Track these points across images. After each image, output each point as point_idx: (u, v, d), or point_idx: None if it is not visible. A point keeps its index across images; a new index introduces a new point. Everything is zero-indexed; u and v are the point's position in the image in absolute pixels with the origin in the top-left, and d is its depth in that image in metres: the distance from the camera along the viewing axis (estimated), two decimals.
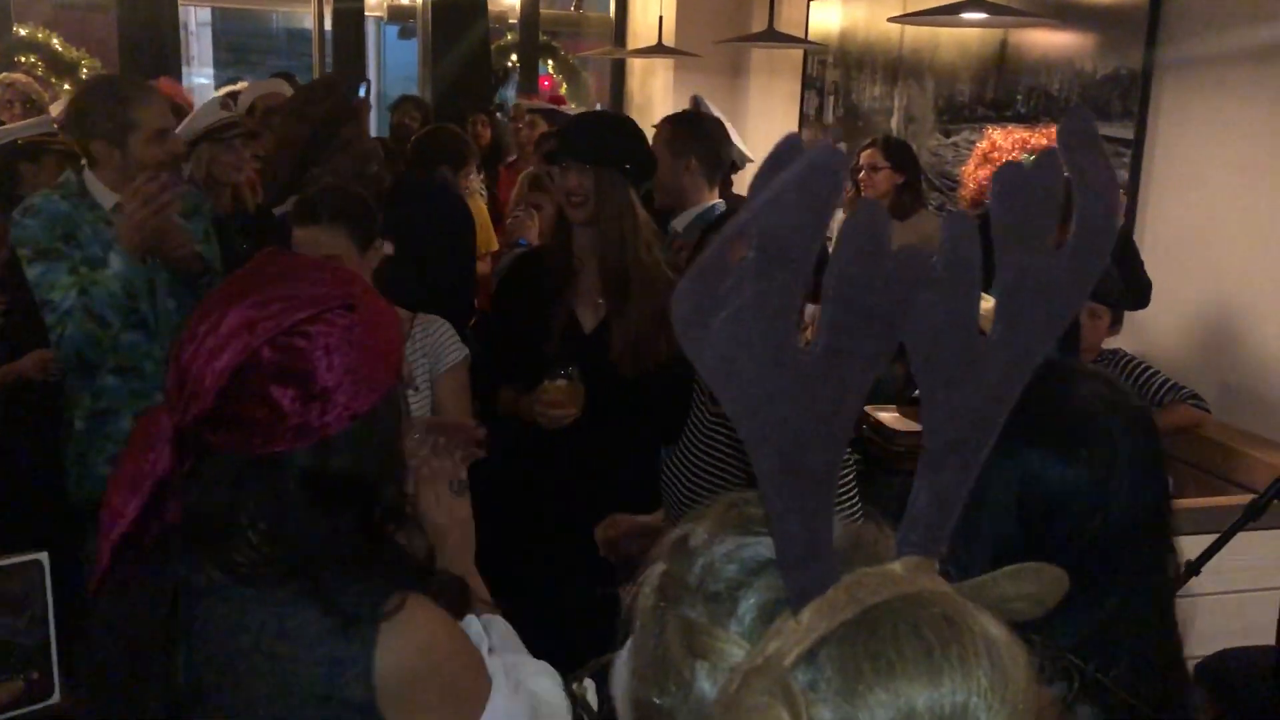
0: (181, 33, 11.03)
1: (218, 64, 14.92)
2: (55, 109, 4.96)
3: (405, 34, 10.96)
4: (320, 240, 2.41)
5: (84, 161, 2.91)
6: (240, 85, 6.18)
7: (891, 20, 4.39)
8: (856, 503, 2.18)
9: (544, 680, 1.35)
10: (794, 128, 6.92)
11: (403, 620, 1.21)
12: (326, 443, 1.20)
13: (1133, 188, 4.11)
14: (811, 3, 6.72)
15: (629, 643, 0.71)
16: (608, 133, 2.88)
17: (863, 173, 4.61)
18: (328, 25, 9.25)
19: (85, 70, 7.77)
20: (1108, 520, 1.10)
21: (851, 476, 2.16)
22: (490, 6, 8.65)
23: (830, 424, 0.63)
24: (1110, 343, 3.70)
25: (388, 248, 3.34)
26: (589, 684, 0.69)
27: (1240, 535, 2.15)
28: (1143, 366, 3.61)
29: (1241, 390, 3.66)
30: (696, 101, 4.84)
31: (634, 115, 8.18)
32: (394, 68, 12.82)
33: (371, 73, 11.78)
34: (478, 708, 1.28)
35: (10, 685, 1.31)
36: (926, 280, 0.65)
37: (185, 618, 1.20)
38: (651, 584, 0.70)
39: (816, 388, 0.62)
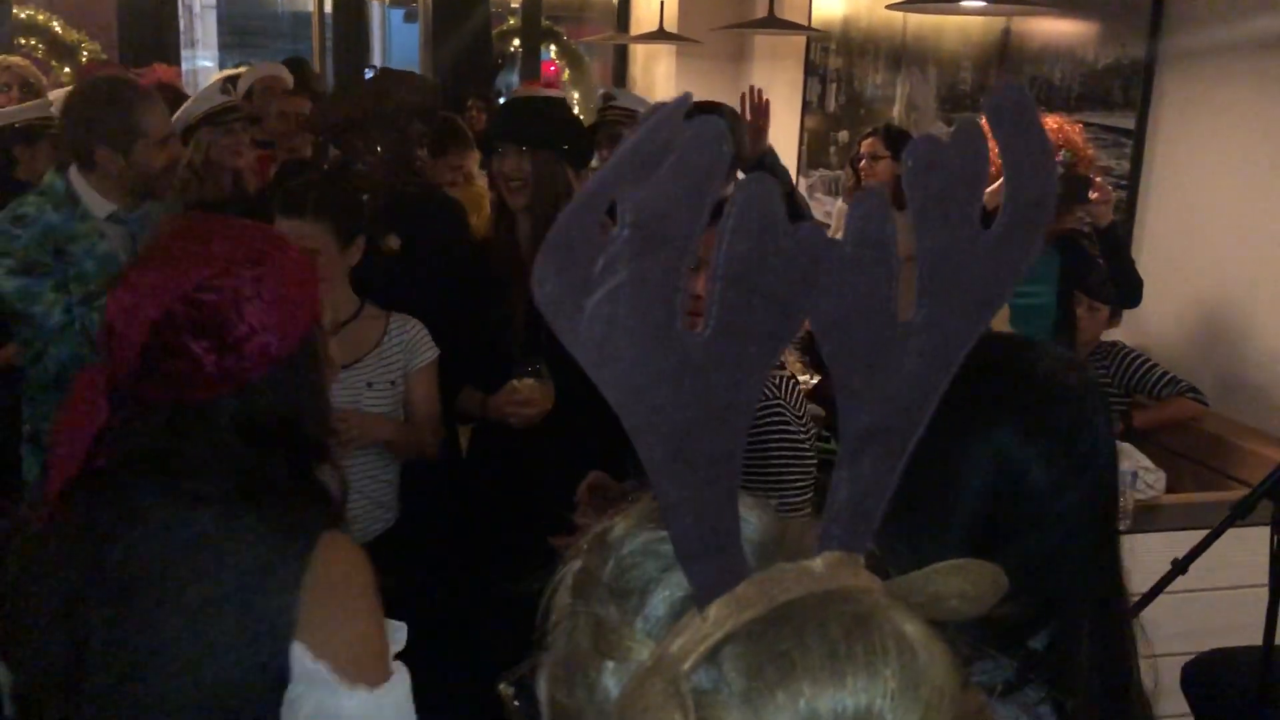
0: (185, 15, 11.01)
1: (222, 47, 14.89)
2: (54, 93, 4.94)
3: (410, 17, 10.93)
4: (303, 233, 2.40)
5: (73, 164, 2.84)
6: (241, 69, 6.16)
7: (890, 7, 4.35)
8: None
9: None
10: (796, 115, 6.89)
11: (340, 541, 1.30)
12: (249, 387, 1.30)
13: (1133, 178, 4.09)
14: None
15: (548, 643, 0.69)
16: (542, 115, 2.84)
17: (864, 162, 4.57)
18: (329, 8, 9.23)
19: (85, 53, 7.74)
20: (1073, 500, 1.09)
21: (810, 479, 2.13)
22: None
23: (724, 411, 0.60)
24: (1109, 335, 3.68)
25: (394, 242, 3.32)
26: (513, 688, 0.68)
27: (1230, 532, 2.13)
28: (1141, 359, 3.60)
29: (1240, 383, 3.63)
30: (608, 96, 4.75)
31: None
32: (398, 51, 12.78)
33: (376, 57, 11.75)
34: (370, 671, 1.28)
35: None
36: (833, 261, 0.62)
37: (124, 525, 1.28)
38: (567, 581, 0.68)
39: (706, 372, 0.59)
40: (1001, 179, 0.66)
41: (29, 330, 2.75)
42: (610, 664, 0.62)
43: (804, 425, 2.14)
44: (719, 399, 0.60)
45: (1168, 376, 3.56)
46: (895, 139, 4.63)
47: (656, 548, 0.64)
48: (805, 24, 6.24)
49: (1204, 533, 2.18)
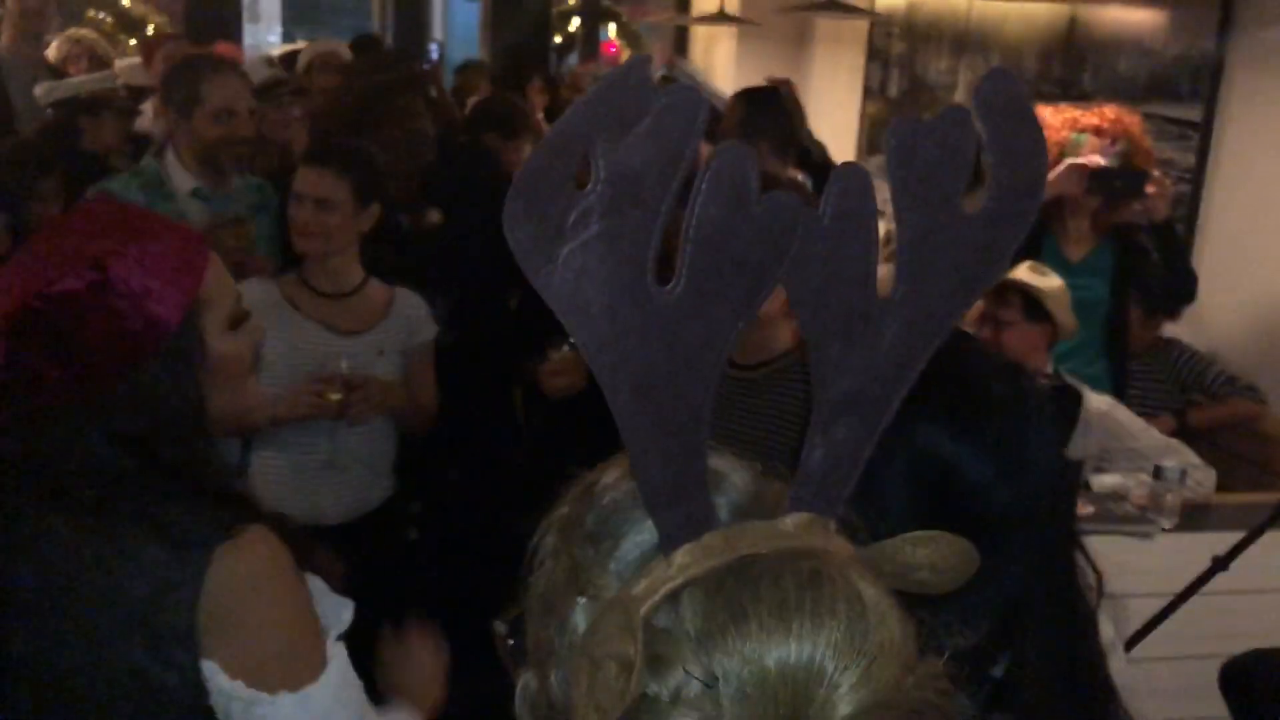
0: None
1: (286, 23, 15.04)
2: (119, 64, 5.03)
3: None
4: (322, 182, 2.48)
5: (166, 144, 2.93)
6: (302, 45, 6.23)
7: None
8: None
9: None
10: (857, 100, 6.82)
11: (240, 548, 1.21)
12: (100, 398, 1.21)
13: (1198, 172, 4.00)
14: None
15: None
16: None
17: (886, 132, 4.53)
18: None
19: (152, 27, 7.87)
20: (1003, 500, 1.08)
21: None
22: None
23: (692, 366, 0.63)
24: (1168, 331, 3.62)
25: (434, 217, 3.35)
26: (507, 626, 0.72)
27: (1276, 534, 2.09)
28: (1197, 357, 3.53)
29: None
30: (672, 63, 4.75)
31: None
32: (458, 30, 12.82)
33: (436, 33, 11.81)
34: (295, 672, 1.23)
35: None
36: (810, 231, 0.64)
37: (22, 535, 1.22)
38: (553, 525, 0.71)
39: (675, 328, 0.62)
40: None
41: None
42: (582, 600, 0.66)
43: None
44: (687, 355, 0.63)
45: (1225, 375, 3.49)
46: None
47: (635, 497, 0.67)
48: (869, 8, 6.18)
49: (1255, 527, 2.15)
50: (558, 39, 8.94)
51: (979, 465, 1.08)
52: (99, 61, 4.97)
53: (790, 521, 0.65)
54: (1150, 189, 3.14)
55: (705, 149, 0.61)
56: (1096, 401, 2.79)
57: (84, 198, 2.79)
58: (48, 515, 1.22)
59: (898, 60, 6.47)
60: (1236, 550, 2.11)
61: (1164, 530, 2.61)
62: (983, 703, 1.02)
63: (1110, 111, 3.38)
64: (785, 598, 0.59)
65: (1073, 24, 4.81)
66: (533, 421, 3.23)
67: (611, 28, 9.29)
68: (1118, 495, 2.69)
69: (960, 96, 5.75)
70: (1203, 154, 4.00)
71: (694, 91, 0.62)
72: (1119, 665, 1.42)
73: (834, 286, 0.65)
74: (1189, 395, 3.50)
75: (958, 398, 1.07)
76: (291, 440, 2.47)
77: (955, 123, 0.67)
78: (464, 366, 2.98)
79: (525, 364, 2.83)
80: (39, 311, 1.18)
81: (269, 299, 2.46)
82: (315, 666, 1.24)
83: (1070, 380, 2.82)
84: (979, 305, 2.71)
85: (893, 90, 6.53)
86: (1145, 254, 3.27)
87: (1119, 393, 3.24)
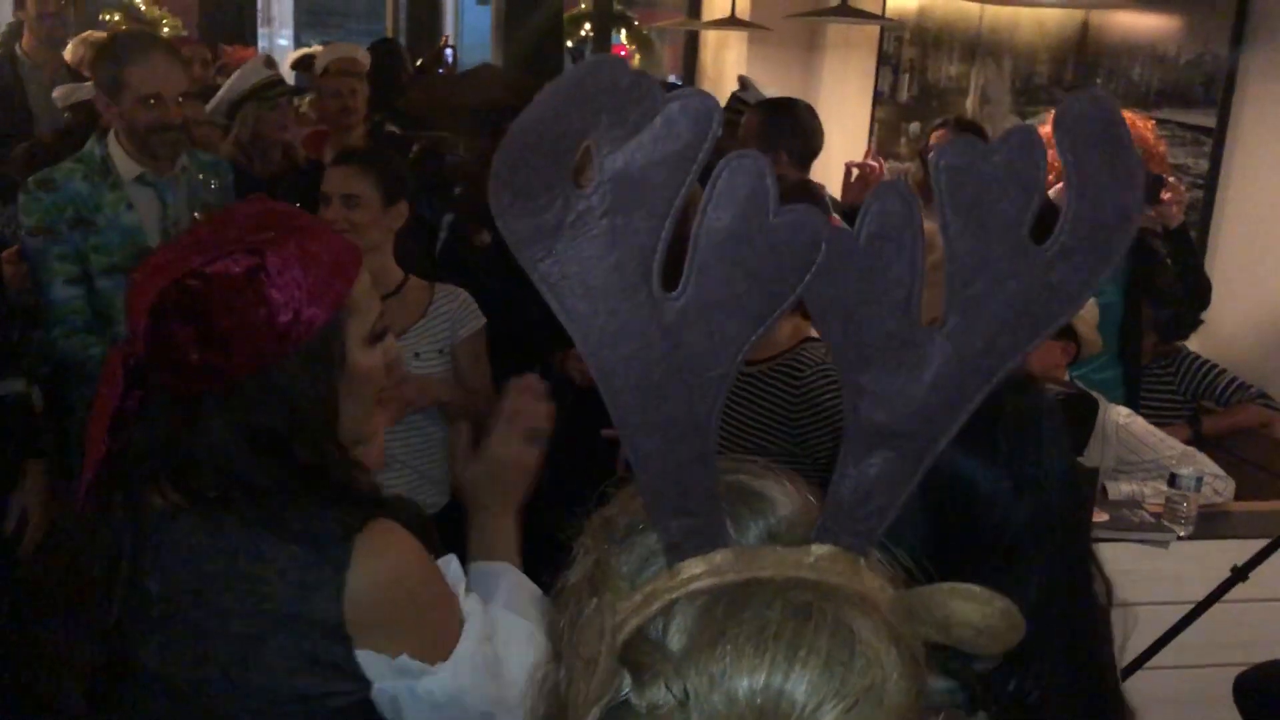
0: None
1: (297, 26, 15.08)
2: None
3: (483, 0, 10.99)
4: (349, 178, 2.54)
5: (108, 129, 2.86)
6: (316, 49, 6.25)
7: None
8: None
9: (519, 645, 1.32)
10: (868, 105, 6.82)
11: (376, 542, 1.22)
12: (237, 389, 1.21)
13: (1211, 178, 3.99)
14: None
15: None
16: None
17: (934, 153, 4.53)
18: None
19: (166, 29, 7.90)
20: (1023, 514, 1.08)
21: None
22: None
23: (696, 376, 0.61)
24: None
25: (486, 238, 3.37)
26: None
27: None
28: (1207, 365, 3.53)
29: None
30: (743, 82, 4.76)
31: (706, 88, 8.13)
32: (470, 33, 12.86)
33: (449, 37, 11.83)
34: (446, 643, 1.26)
35: None
36: (840, 249, 0.61)
37: (152, 541, 1.22)
38: (594, 524, 0.71)
39: (680, 335, 0.60)
40: (1061, 182, 0.64)
41: (43, 299, 2.75)
42: (595, 600, 0.65)
43: None
44: (691, 363, 0.61)
45: (1237, 382, 3.49)
46: (966, 131, 4.58)
47: None
48: (879, 13, 6.18)
49: (1268, 541, 2.14)
50: (569, 43, 8.96)
51: (994, 480, 1.08)
52: None
53: (815, 552, 0.63)
54: (1165, 195, 3.14)
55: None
56: (1114, 413, 2.78)
57: (26, 185, 2.76)
58: (179, 516, 1.22)
59: (908, 65, 6.47)
60: (1256, 560, 2.11)
61: (1179, 538, 2.61)
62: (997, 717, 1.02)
63: (1124, 116, 3.38)
64: (766, 625, 0.58)
65: (1085, 30, 4.80)
66: (560, 411, 3.24)
67: (623, 32, 9.30)
68: (1133, 503, 2.69)
69: (971, 102, 5.74)
70: (1216, 160, 4.00)
71: (707, 95, 0.60)
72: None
73: (868, 310, 0.62)
74: (1200, 402, 3.50)
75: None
76: None
77: (1020, 145, 0.62)
78: (490, 357, 2.99)
79: (552, 353, 2.85)
80: (191, 290, 1.18)
81: None
82: (451, 637, 1.27)
83: (1087, 390, 2.82)
84: None
85: (903, 95, 6.53)
86: (1160, 260, 3.26)
87: (1132, 399, 3.24)
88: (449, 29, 12.07)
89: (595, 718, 0.59)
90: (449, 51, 6.62)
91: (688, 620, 0.60)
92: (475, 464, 1.46)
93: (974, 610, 0.63)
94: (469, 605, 1.31)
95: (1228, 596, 2.13)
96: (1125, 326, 3.32)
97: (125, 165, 2.81)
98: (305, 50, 6.26)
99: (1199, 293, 3.41)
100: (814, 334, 3.23)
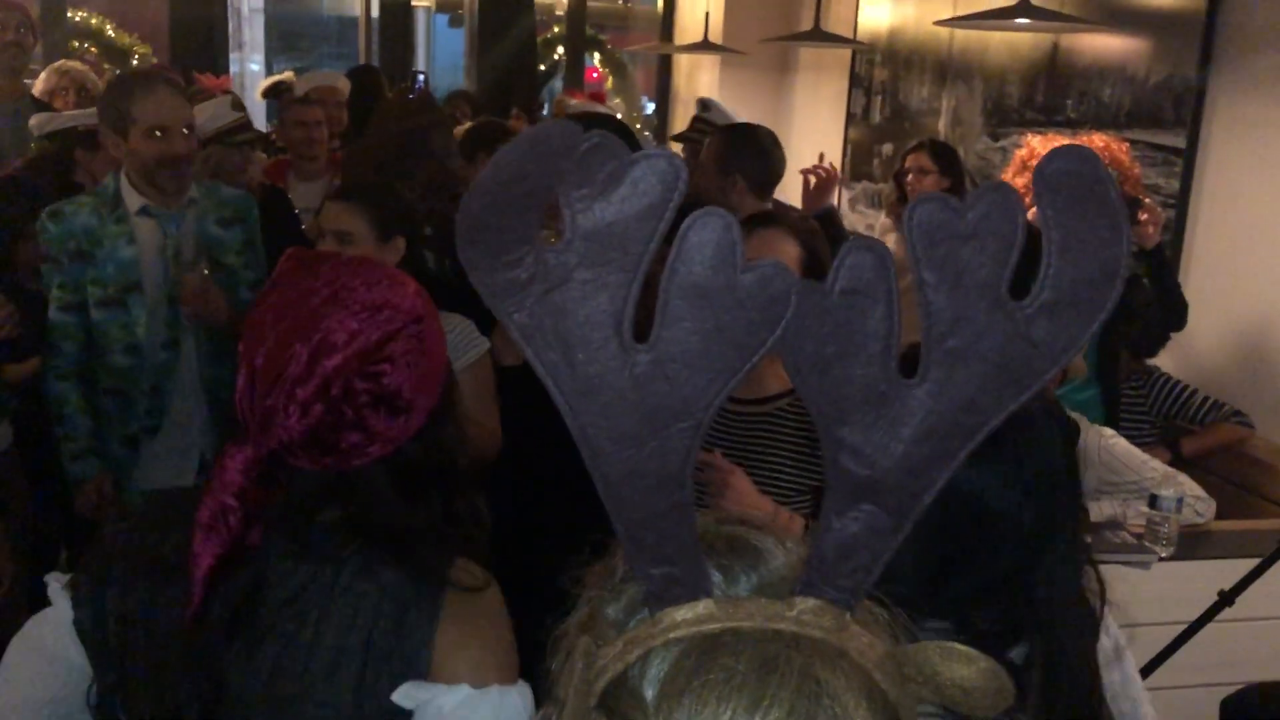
0: (233, 19, 11.13)
1: (270, 51, 15.04)
2: None
3: (455, 23, 10.99)
4: (342, 216, 2.54)
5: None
6: (286, 75, 6.22)
7: (938, 24, 4.33)
8: None
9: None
10: (840, 127, 6.86)
11: (466, 585, 1.26)
12: (399, 451, 1.26)
13: (1182, 198, 4.04)
14: (861, 1, 6.65)
15: None
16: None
17: (910, 176, 4.56)
18: (375, 13, 9.31)
19: (137, 57, 7.86)
20: (1031, 518, 1.08)
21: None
22: None
23: (669, 427, 0.62)
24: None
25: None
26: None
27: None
28: (1180, 386, 3.55)
29: None
30: (705, 103, 4.77)
31: (679, 110, 8.16)
32: (442, 57, 12.85)
33: (421, 63, 11.84)
34: (510, 686, 1.28)
35: None
36: (813, 305, 0.62)
37: (257, 579, 1.24)
38: (593, 575, 0.72)
39: (650, 386, 0.62)
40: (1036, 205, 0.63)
41: (49, 321, 2.88)
42: (584, 639, 0.66)
43: None
44: (663, 415, 0.62)
45: (1210, 401, 3.51)
46: (941, 153, 4.60)
47: None
48: (851, 36, 6.22)
49: (1250, 561, 2.15)
50: (542, 67, 8.97)
51: (1002, 490, 1.08)
52: (87, 94, 4.94)
53: (799, 605, 0.62)
54: (1142, 216, 3.17)
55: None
56: (1096, 434, 2.80)
57: (41, 215, 2.88)
58: (292, 564, 1.25)
59: (880, 87, 6.52)
60: (1243, 584, 2.12)
61: (1161, 559, 2.62)
62: None
63: (1099, 139, 3.42)
64: (732, 676, 0.58)
65: (1055, 52, 4.85)
66: (571, 457, 3.21)
67: (595, 55, 9.33)
68: (1115, 524, 2.70)
69: (943, 123, 5.79)
70: (1186, 180, 4.04)
71: (672, 155, 0.62)
72: (1130, 672, 1.43)
73: (845, 364, 0.62)
74: (1174, 422, 3.52)
75: None
76: None
77: (996, 202, 0.61)
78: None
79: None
80: (376, 376, 1.21)
81: None
82: (513, 680, 1.29)
83: (1069, 413, 2.83)
84: None
85: (876, 117, 6.58)
86: (1136, 281, 3.29)
87: (1111, 418, 3.26)
88: (421, 53, 12.07)
89: None
90: (420, 78, 6.61)
91: (662, 669, 0.61)
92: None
93: (962, 670, 0.63)
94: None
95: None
96: (1103, 346, 3.34)
97: (131, 198, 2.89)
98: (277, 77, 6.23)
99: (1175, 312, 3.43)
100: None
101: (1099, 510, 2.77)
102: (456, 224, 0.62)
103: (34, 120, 4.14)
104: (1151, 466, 2.83)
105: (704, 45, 6.39)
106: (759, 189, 3.41)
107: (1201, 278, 3.90)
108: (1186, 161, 4.04)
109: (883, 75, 6.48)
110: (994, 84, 5.35)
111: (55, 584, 1.31)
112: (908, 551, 1.12)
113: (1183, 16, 4.08)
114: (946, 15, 4.32)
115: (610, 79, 9.46)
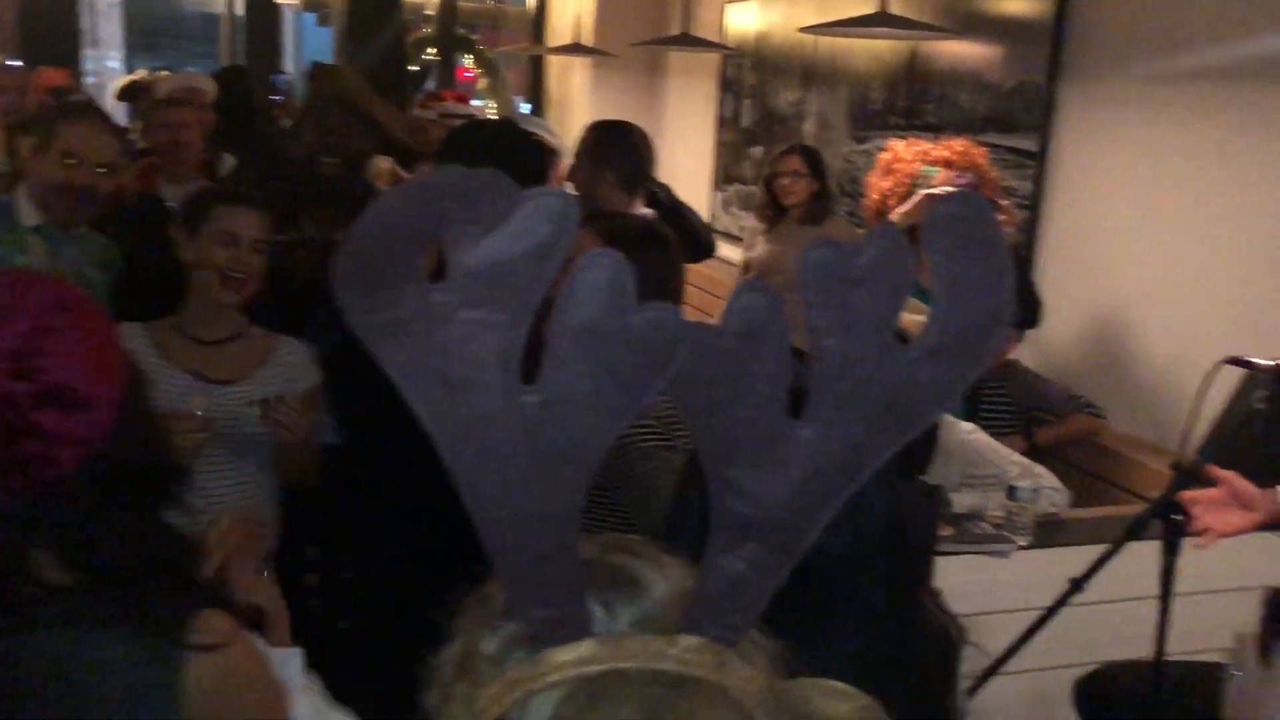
0: (89, 14, 10.70)
1: (128, 47, 14.49)
2: None
3: (323, 21, 10.77)
4: (254, 222, 2.53)
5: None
6: (140, 74, 6.02)
7: (803, 30, 4.43)
8: None
9: None
10: (711, 130, 6.95)
11: (210, 642, 1.17)
12: (98, 446, 1.16)
13: (1035, 199, 4.21)
14: (728, 5, 6.74)
15: None
16: (490, 142, 2.89)
17: (785, 180, 4.64)
18: (240, 10, 9.08)
19: None
20: (838, 547, 1.08)
21: None
22: None
23: (557, 469, 0.61)
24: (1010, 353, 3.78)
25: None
26: None
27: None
28: (1038, 378, 3.70)
29: (1137, 398, 3.76)
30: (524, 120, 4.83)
31: (551, 113, 8.16)
32: (311, 55, 12.58)
33: (288, 62, 11.57)
34: None
35: None
36: (705, 348, 0.61)
37: None
38: (472, 603, 0.70)
39: (538, 429, 0.60)
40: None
41: None
42: (459, 683, 0.65)
43: None
44: (551, 458, 0.61)
45: (1066, 393, 3.67)
46: (810, 157, 4.71)
47: None
48: (719, 41, 6.31)
49: (1104, 547, 2.26)
50: (414, 67, 8.87)
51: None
52: None
53: (681, 643, 0.63)
54: (1000, 217, 3.29)
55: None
56: (957, 429, 2.89)
57: None
58: (15, 621, 1.13)
59: (750, 91, 6.62)
60: (1092, 571, 2.22)
61: (1020, 548, 2.72)
62: None
63: (959, 144, 3.53)
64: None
65: (914, 58, 5.00)
66: (444, 486, 3.17)
67: (468, 56, 9.26)
68: (976, 515, 2.80)
69: (810, 126, 5.91)
70: (1039, 182, 4.21)
71: (564, 194, 0.61)
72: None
73: (735, 406, 0.62)
74: (1033, 414, 3.67)
75: None
76: None
77: (887, 248, 0.62)
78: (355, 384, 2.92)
79: None
80: (34, 370, 1.11)
81: (137, 346, 2.37)
82: None
83: None
84: None
85: (746, 120, 6.67)
86: None
87: (972, 413, 3.37)
88: (288, 51, 11.80)
89: None
90: (282, 79, 6.46)
91: (544, 713, 0.60)
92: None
93: (840, 708, 0.65)
94: (302, 701, 1.28)
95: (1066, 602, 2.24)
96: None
97: (26, 213, 2.85)
98: (131, 77, 6.02)
99: (1030, 308, 3.57)
100: None
101: (961, 502, 2.87)
102: (333, 266, 0.60)
103: None
104: (1010, 458, 2.94)
105: (575, 48, 6.41)
106: (627, 184, 3.50)
107: (1055, 275, 4.07)
108: (1039, 164, 4.20)
109: (752, 79, 6.59)
110: (858, 89, 5.48)
111: None
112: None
113: (1032, 25, 4.24)
114: (811, 21, 4.41)
115: (483, 79, 9.40)
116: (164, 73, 5.78)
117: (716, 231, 6.54)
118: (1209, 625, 1.98)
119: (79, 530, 1.15)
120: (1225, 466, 2.18)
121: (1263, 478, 2.49)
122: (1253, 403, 2.14)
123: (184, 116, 4.18)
